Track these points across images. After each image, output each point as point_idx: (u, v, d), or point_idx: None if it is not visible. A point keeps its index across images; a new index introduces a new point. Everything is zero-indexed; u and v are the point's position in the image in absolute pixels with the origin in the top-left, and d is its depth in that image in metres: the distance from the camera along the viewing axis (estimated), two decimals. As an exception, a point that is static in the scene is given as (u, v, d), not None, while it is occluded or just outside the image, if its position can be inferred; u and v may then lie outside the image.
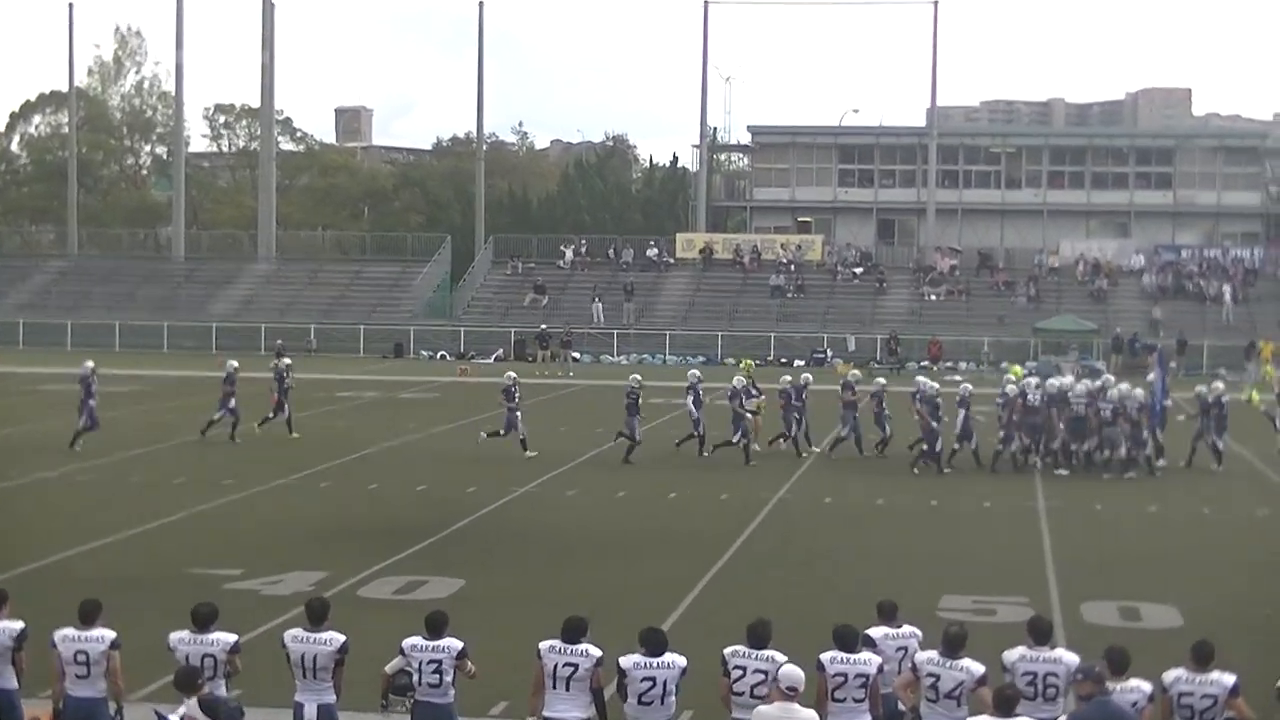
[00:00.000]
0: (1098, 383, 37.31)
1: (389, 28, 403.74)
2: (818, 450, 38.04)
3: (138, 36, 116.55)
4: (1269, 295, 76.41)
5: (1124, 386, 36.37)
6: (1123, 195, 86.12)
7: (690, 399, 37.65)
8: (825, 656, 12.99)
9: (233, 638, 13.53)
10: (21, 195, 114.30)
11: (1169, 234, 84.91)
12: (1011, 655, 13.04)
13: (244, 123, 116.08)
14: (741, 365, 41.37)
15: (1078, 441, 35.73)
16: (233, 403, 39.26)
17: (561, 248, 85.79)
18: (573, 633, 13.12)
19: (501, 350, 74.81)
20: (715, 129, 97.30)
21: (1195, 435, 37.03)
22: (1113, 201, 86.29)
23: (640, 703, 12.77)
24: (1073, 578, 23.73)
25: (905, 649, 13.69)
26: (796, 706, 12.03)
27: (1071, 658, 12.98)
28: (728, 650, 13.04)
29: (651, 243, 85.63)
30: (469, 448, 38.96)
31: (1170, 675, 12.62)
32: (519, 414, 37.39)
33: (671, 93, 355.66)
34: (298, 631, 13.50)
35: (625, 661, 12.84)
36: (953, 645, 12.90)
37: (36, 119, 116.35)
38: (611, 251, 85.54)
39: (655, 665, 12.80)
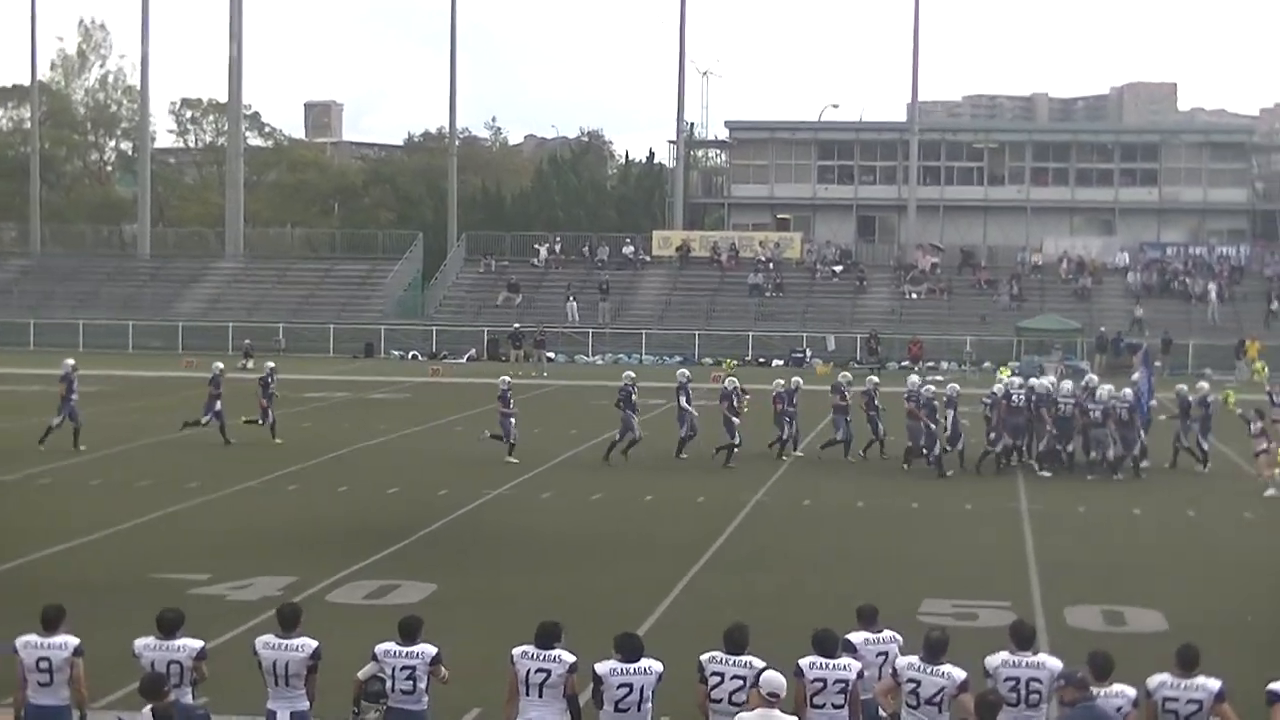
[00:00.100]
0: (1082, 382, 37.49)
1: (359, 21, 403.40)
2: (800, 454, 38.03)
3: (102, 29, 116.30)
4: (1255, 293, 76.64)
5: (1108, 387, 36.49)
6: (1107, 192, 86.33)
7: (682, 399, 37.65)
8: (804, 662, 12.99)
9: (199, 644, 13.48)
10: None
11: (1154, 231, 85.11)
12: (994, 660, 13.05)
13: (211, 117, 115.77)
14: (724, 366, 41.34)
15: (1064, 442, 35.84)
16: (218, 405, 39.13)
17: (536, 245, 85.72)
18: (546, 638, 13.11)
19: (474, 350, 74.76)
20: (692, 124, 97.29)
21: (1176, 436, 37.17)
22: (1097, 198, 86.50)
23: (617, 710, 12.75)
24: (1056, 581, 23.77)
25: (886, 654, 13.70)
26: (777, 713, 12.03)
27: (1055, 663, 12.99)
28: (704, 656, 13.03)
29: (627, 240, 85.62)
30: (441, 449, 38.98)
31: (1155, 680, 12.64)
32: (513, 419, 37.19)
33: (648, 87, 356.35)
34: (269, 638, 13.48)
35: (601, 668, 12.82)
36: (934, 650, 12.91)
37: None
38: (586, 249, 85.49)
39: (631, 671, 12.79)
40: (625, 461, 36.42)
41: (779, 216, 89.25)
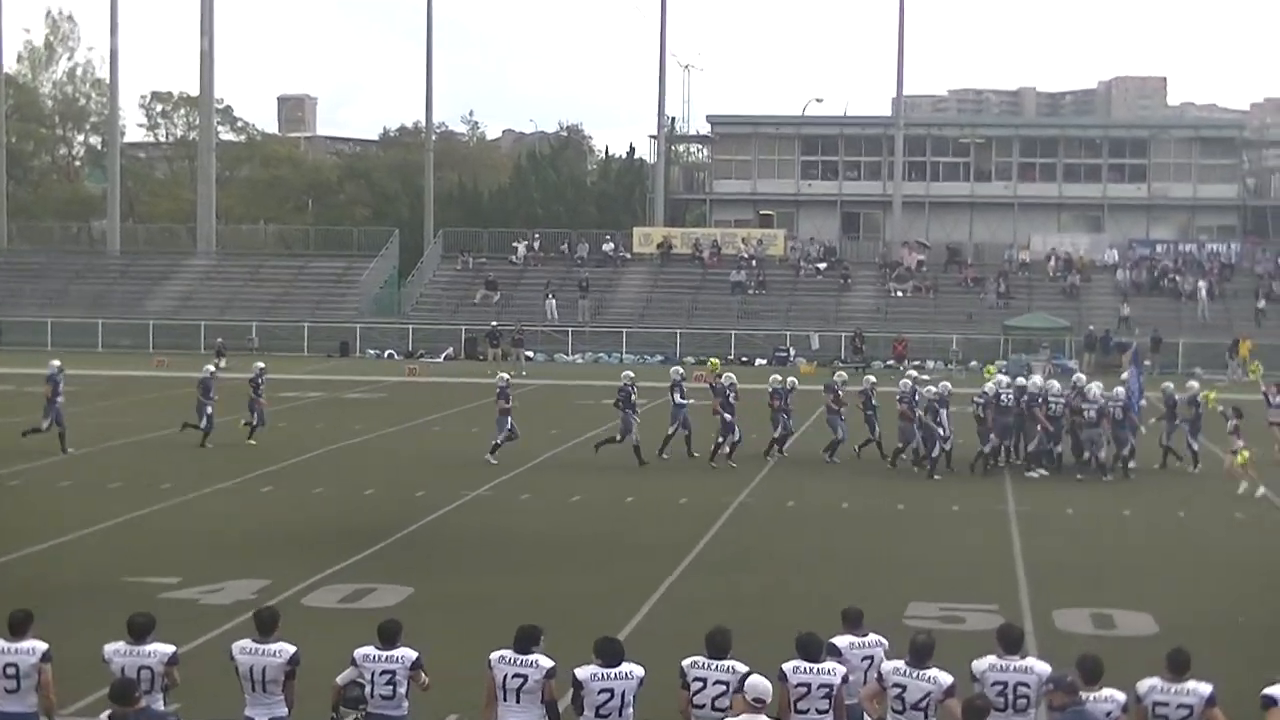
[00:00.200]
0: (1070, 381, 37.56)
1: (334, 13, 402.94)
2: (785, 455, 38.01)
3: (70, 21, 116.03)
4: (1246, 291, 76.81)
5: (1097, 385, 36.57)
6: (1096, 188, 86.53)
7: (676, 396, 37.64)
8: (788, 666, 12.98)
9: (170, 649, 13.43)
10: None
11: (1143, 228, 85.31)
12: (981, 665, 13.05)
13: (182, 111, 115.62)
14: (709, 365, 41.30)
15: (1054, 443, 35.92)
16: (209, 409, 39.01)
17: (514, 243, 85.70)
18: (524, 642, 13.09)
19: (452, 349, 74.70)
20: (673, 119, 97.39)
21: (1165, 436, 37.26)
22: (1085, 194, 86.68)
23: (597, 715, 12.72)
24: (1044, 584, 23.81)
25: (871, 658, 13.69)
26: (762, 719, 12.04)
27: (1043, 667, 13.00)
28: (686, 662, 13.01)
29: (607, 237, 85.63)
30: (418, 450, 38.96)
31: (1145, 684, 12.65)
32: (508, 417, 37.12)
33: (628, 81, 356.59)
34: (246, 643, 13.43)
35: (581, 673, 12.80)
36: (920, 654, 12.91)
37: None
38: (566, 246, 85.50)
39: (612, 676, 12.77)
40: (583, 468, 36.19)
41: (762, 213, 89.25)
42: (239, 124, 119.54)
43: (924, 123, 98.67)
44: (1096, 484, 34.52)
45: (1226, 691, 12.88)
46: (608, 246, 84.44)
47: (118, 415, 44.80)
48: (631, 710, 12.82)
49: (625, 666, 12.85)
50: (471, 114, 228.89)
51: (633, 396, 37.22)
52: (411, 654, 13.40)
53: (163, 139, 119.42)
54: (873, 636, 14.01)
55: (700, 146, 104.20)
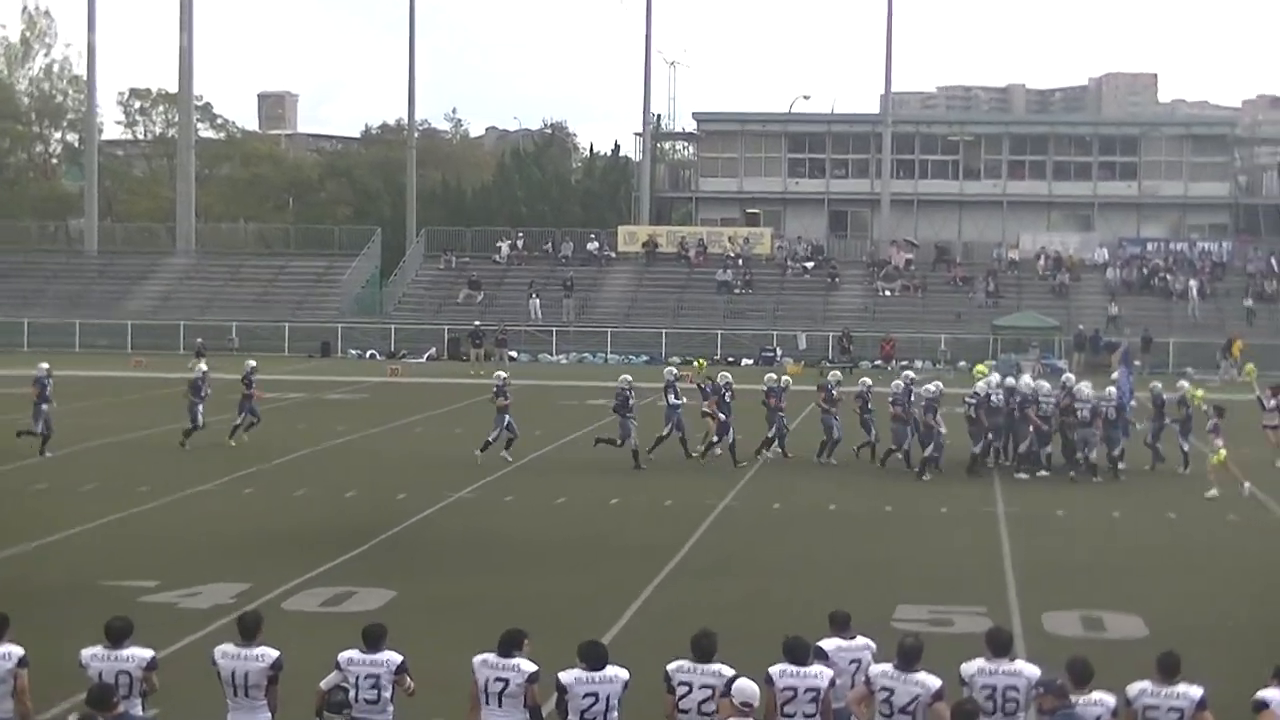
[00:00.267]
0: (1060, 381, 37.62)
1: (315, 8, 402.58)
2: (770, 456, 38.01)
3: (47, 17, 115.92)
4: (1237, 290, 76.93)
5: (1085, 385, 36.63)
6: (1086, 186, 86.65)
7: (670, 396, 37.63)
8: (774, 670, 12.99)
9: (149, 653, 13.42)
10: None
11: (1134, 226, 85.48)
12: (969, 668, 13.06)
13: (161, 108, 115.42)
14: (696, 365, 41.26)
15: (1045, 444, 35.95)
16: (200, 409, 38.94)
17: (497, 241, 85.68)
18: (507, 646, 13.10)
19: (434, 349, 74.68)
20: (659, 116, 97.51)
21: (1152, 436, 37.30)
22: (1075, 192, 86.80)
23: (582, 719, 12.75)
24: (1033, 586, 23.83)
25: (858, 661, 13.70)
26: (749, 723, 12.06)
27: (1032, 670, 13.01)
28: (671, 666, 13.00)
29: (592, 236, 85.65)
30: (401, 451, 38.93)
31: (1135, 688, 12.66)
32: (506, 415, 36.99)
33: (613, 78, 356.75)
34: (228, 647, 13.39)
35: (565, 677, 12.80)
36: (908, 657, 12.91)
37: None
38: (550, 245, 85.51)
39: (597, 680, 12.77)
40: (564, 471, 36.19)
41: (748, 211, 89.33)
42: (219, 121, 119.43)
43: (912, 120, 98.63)
44: (1086, 485, 34.56)
45: (1218, 695, 12.89)
46: (592, 245, 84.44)
47: (95, 416, 44.71)
48: (616, 714, 12.81)
49: (609, 670, 12.85)
50: (454, 111, 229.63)
51: (631, 401, 37.07)
52: (396, 658, 13.40)
53: (141, 136, 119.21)
54: (860, 639, 14.02)
55: (686, 144, 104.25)
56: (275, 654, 13.30)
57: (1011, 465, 36.24)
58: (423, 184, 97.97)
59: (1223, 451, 33.29)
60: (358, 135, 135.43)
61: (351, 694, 13.23)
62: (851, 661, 13.70)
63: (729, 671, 12.72)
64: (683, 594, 23.03)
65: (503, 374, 38.71)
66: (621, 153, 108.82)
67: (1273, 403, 38.50)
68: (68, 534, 27.45)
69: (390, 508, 30.33)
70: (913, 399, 36.11)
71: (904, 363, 67.17)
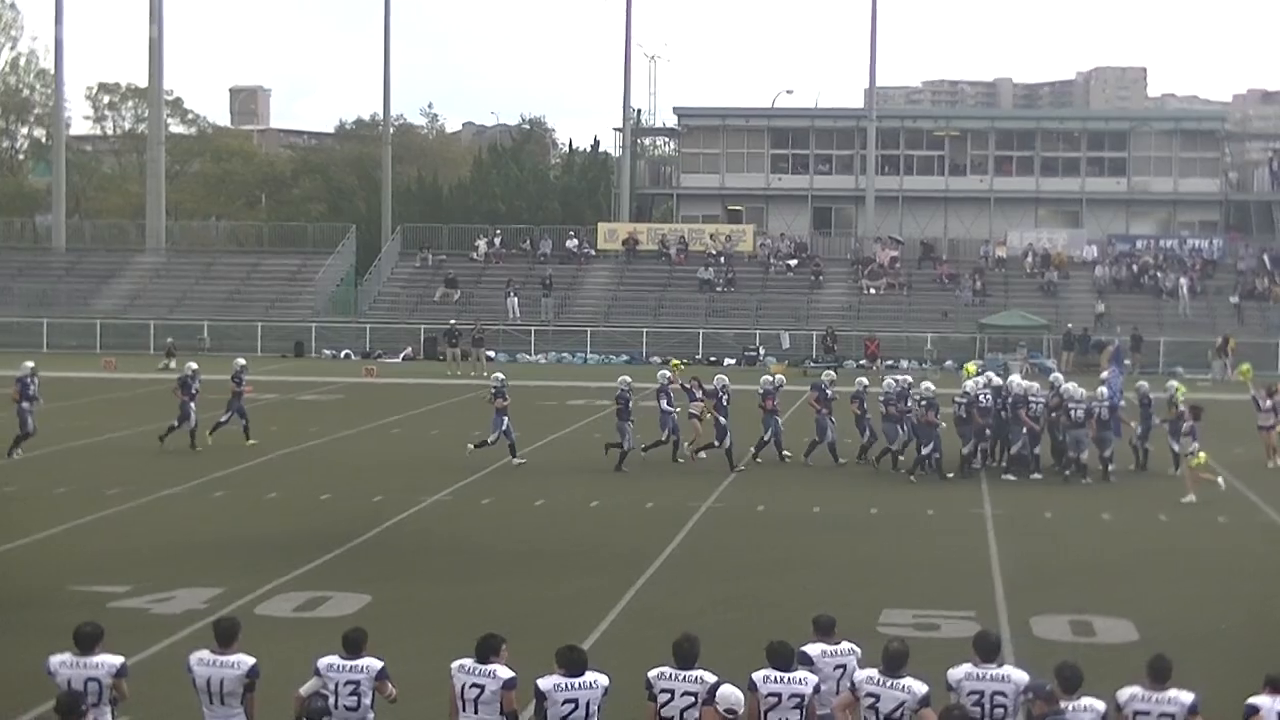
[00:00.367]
0: (1049, 381, 37.70)
1: (288, 1, 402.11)
2: (785, 458, 37.96)
3: (13, 9, 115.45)
4: (1228, 288, 77.05)
5: (1071, 386, 36.69)
6: (1074, 182, 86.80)
7: (663, 401, 37.55)
8: (758, 675, 12.99)
9: (119, 660, 13.39)
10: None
11: (1123, 223, 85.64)
12: (956, 673, 13.08)
13: (130, 103, 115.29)
14: (671, 367, 41.17)
15: (1034, 445, 36.02)
16: (193, 407, 38.89)
17: (475, 239, 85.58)
18: (484, 652, 13.09)
19: (411, 349, 74.59)
20: (639, 111, 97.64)
21: (1139, 436, 37.35)
22: (1063, 189, 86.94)
23: (561, 726, 12.74)
24: (1022, 590, 23.85)
25: (843, 667, 13.70)
26: (734, 730, 12.06)
27: (1020, 675, 13.03)
28: (653, 673, 13.00)
29: (571, 233, 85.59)
30: (376, 453, 38.89)
31: (1125, 693, 12.69)
32: (504, 416, 36.94)
33: (592, 72, 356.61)
34: (204, 654, 13.38)
35: (544, 683, 12.80)
36: (894, 663, 12.91)
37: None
38: (528, 242, 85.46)
39: (576, 686, 12.77)
40: (544, 473, 36.25)
41: (731, 208, 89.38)
42: (189, 116, 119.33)
43: (897, 115, 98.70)
44: (1075, 487, 34.62)
45: (1209, 700, 12.93)
46: (571, 243, 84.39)
47: (65, 418, 44.59)
48: (597, 721, 12.83)
49: (589, 676, 12.85)
50: (430, 106, 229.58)
51: (630, 404, 36.96)
52: (377, 663, 13.40)
53: (110, 132, 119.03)
54: (845, 644, 14.01)
55: (667, 140, 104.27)
56: (252, 661, 13.29)
57: (1000, 467, 36.28)
58: (398, 181, 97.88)
59: (1202, 455, 33.36)
60: (332, 131, 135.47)
61: (331, 700, 13.21)
62: (836, 667, 13.70)
63: (711, 678, 12.72)
64: (664, 598, 23.03)
65: (500, 375, 38.47)
66: (601, 148, 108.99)
67: (1269, 403, 38.39)
68: (37, 538, 27.37)
69: (366, 511, 30.30)
70: (911, 398, 36.14)
71: (889, 362, 67.40)
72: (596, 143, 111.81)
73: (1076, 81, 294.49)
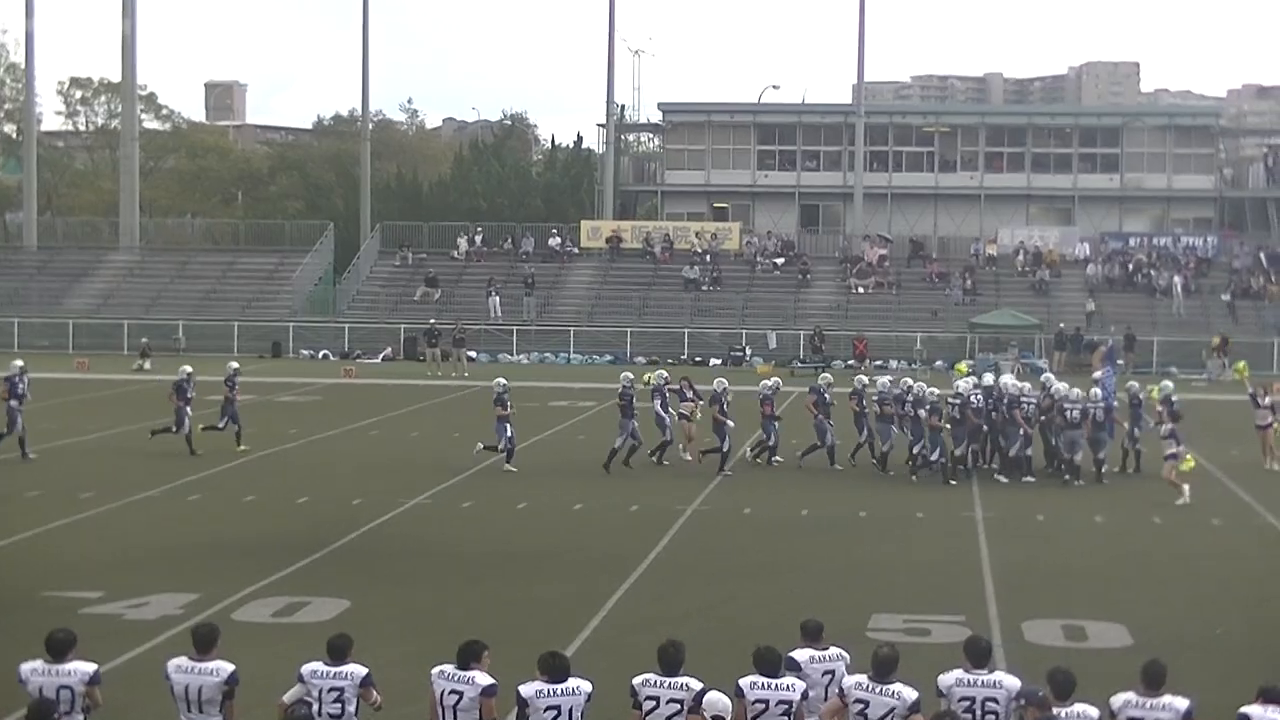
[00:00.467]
0: (1040, 381, 37.76)
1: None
2: (776, 463, 37.96)
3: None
4: (1222, 287, 77.07)
5: (1061, 386, 36.74)
6: (1066, 179, 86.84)
7: (657, 403, 37.52)
8: (744, 682, 12.99)
9: (92, 667, 13.35)
10: None
11: (1116, 220, 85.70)
12: (947, 679, 13.09)
13: (103, 98, 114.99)
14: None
15: (1027, 446, 36.04)
16: (188, 412, 38.87)
17: (456, 237, 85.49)
18: (465, 658, 13.08)
19: (390, 349, 74.49)
20: (623, 106, 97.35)
21: (1128, 437, 37.39)
22: (1055, 185, 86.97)
23: (544, 734, 12.73)
24: (1013, 594, 23.88)
25: (832, 673, 13.70)
26: (722, 737, 12.06)
27: (1012, 681, 13.04)
28: (637, 680, 13.00)
29: (554, 231, 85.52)
30: (355, 455, 38.85)
31: (1119, 699, 12.70)
32: (507, 424, 36.81)
33: (575, 67, 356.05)
34: (182, 660, 13.35)
35: (526, 690, 12.78)
36: (883, 668, 12.93)
37: None
38: (510, 241, 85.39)
39: (559, 693, 12.76)
40: (530, 475, 36.27)
41: (716, 205, 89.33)
42: (164, 112, 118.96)
43: (886, 110, 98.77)
44: (1068, 489, 34.65)
45: (1204, 707, 12.94)
46: (554, 241, 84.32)
47: (37, 420, 44.40)
48: (580, 728, 12.81)
49: (572, 682, 12.84)
50: (410, 101, 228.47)
51: (634, 401, 36.93)
52: (361, 670, 13.39)
53: (82, 128, 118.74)
54: (834, 650, 14.01)
55: (651, 136, 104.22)
56: (231, 668, 13.27)
57: (991, 469, 36.31)
58: (377, 177, 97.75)
59: (1190, 459, 33.38)
60: (309, 126, 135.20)
61: (315, 708, 13.20)
62: (825, 673, 13.70)
63: (697, 684, 12.72)
64: (649, 603, 23.03)
65: (502, 380, 38.11)
66: (584, 145, 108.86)
67: (1267, 401, 38.25)
68: (7, 542, 27.31)
69: (344, 514, 30.27)
70: (911, 400, 36.16)
71: (878, 363, 67.43)
72: (579, 139, 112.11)
73: (1068, 76, 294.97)
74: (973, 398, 35.86)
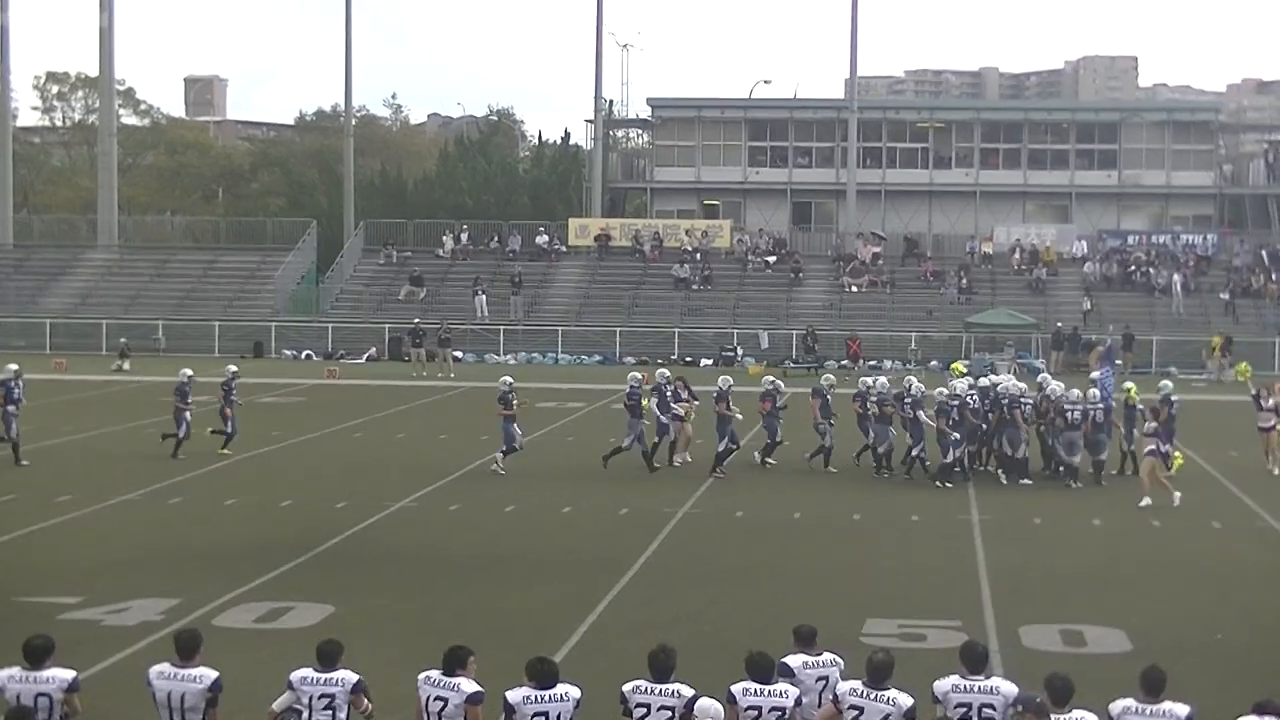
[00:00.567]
0: (1037, 381, 37.80)
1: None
2: (770, 465, 37.97)
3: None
4: (1222, 285, 77.14)
5: (1058, 386, 36.79)
6: (1063, 175, 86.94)
7: (654, 402, 37.54)
8: (737, 688, 13.00)
9: (70, 674, 13.34)
10: None
11: (1113, 218, 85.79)
12: (943, 685, 13.09)
13: (80, 93, 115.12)
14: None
15: (1026, 447, 36.10)
16: (188, 417, 38.91)
17: (441, 235, 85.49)
18: (450, 663, 13.07)
19: (375, 349, 74.46)
20: (611, 102, 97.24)
21: (1125, 437, 37.39)
22: (1052, 182, 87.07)
23: (533, 741, 12.73)
24: (1010, 598, 23.89)
25: (826, 679, 13.71)
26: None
27: (1009, 687, 13.04)
28: (627, 687, 12.99)
29: (541, 229, 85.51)
30: (339, 458, 38.82)
31: (1118, 706, 12.70)
32: (515, 424, 36.75)
33: (563, 62, 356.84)
34: (164, 667, 13.33)
35: (513, 696, 12.77)
36: (878, 674, 12.93)
37: None
38: (496, 238, 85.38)
39: (547, 699, 12.74)
40: (519, 478, 36.27)
41: (707, 203, 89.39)
42: (142, 107, 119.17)
43: (879, 106, 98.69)
44: (1065, 491, 34.66)
45: (1205, 713, 12.95)
46: (541, 239, 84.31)
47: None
48: (568, 735, 12.81)
49: (560, 688, 12.83)
50: (394, 97, 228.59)
51: (641, 401, 36.95)
52: (352, 676, 13.38)
53: (59, 123, 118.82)
54: (827, 655, 14.02)
55: (640, 131, 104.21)
56: (214, 675, 13.25)
57: (988, 470, 36.33)
58: (361, 174, 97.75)
59: (1179, 459, 33.40)
60: (291, 122, 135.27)
61: (305, 715, 13.20)
62: (818, 679, 13.71)
63: (689, 691, 12.72)
64: (639, 608, 23.02)
65: (508, 379, 37.97)
66: (572, 141, 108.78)
67: (1270, 403, 38.11)
68: (-17, 547, 27.30)
69: (328, 517, 30.25)
70: (910, 401, 36.19)
71: (872, 363, 67.46)
72: (567, 135, 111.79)
73: (1065, 71, 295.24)
74: (969, 398, 35.91)
